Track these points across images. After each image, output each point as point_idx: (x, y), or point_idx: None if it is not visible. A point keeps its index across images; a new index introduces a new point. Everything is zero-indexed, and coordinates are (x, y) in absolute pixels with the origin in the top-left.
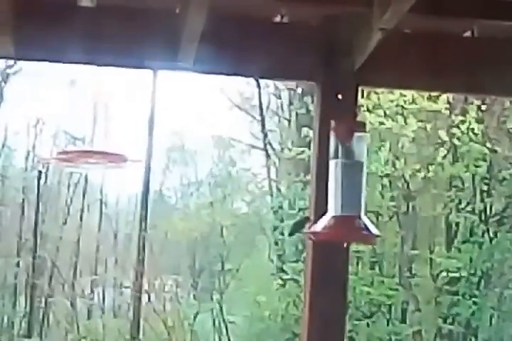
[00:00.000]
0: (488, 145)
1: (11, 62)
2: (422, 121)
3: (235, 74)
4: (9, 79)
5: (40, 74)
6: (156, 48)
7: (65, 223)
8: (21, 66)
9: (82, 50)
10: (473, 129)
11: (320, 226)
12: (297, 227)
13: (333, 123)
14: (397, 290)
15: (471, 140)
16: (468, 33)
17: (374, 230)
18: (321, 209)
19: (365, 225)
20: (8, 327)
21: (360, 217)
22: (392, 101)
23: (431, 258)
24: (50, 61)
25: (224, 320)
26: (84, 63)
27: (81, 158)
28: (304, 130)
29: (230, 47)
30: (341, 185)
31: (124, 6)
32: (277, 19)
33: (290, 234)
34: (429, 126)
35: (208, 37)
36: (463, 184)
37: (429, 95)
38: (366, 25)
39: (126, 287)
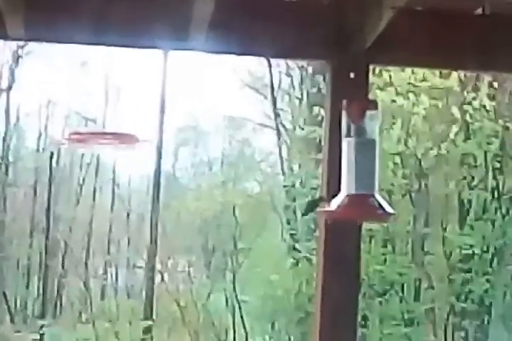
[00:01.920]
0: (501, 122)
1: (22, 43)
2: (433, 98)
3: (245, 53)
4: (20, 61)
5: (52, 56)
6: (167, 28)
7: (77, 204)
8: (32, 48)
9: (93, 30)
10: (485, 106)
11: (334, 205)
12: (311, 207)
13: (344, 102)
14: (409, 268)
15: (483, 117)
16: (479, 11)
17: (388, 208)
18: (333, 188)
19: (380, 203)
20: (21, 308)
21: (374, 196)
22: (403, 79)
23: (443, 236)
24: (61, 42)
25: (237, 300)
26: (95, 44)
27: (93, 138)
28: (316, 109)
29: (240, 27)
30: (354, 163)
31: None
32: None
33: (304, 214)
34: (440, 104)
35: (218, 16)
36: (475, 161)
37: (441, 72)
38: (377, 3)
39: (139, 267)
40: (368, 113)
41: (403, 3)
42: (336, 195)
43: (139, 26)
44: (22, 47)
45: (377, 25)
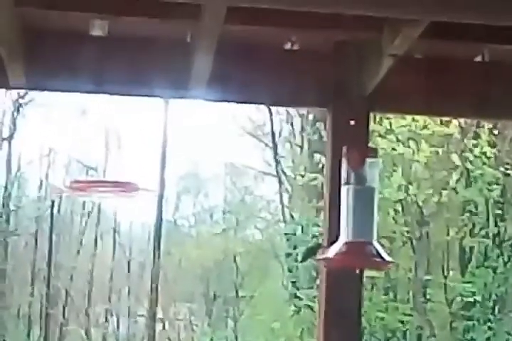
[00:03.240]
0: (501, 169)
1: (22, 92)
2: (434, 145)
3: (245, 101)
4: (21, 110)
5: (52, 104)
6: (168, 77)
7: (78, 252)
8: (33, 96)
9: (94, 79)
10: (485, 153)
11: (332, 252)
12: (309, 253)
13: (344, 149)
14: (411, 315)
15: (483, 164)
16: (478, 58)
17: (386, 256)
18: (334, 236)
19: (377, 251)
20: None
21: (371, 243)
22: (404, 126)
23: (445, 283)
24: (62, 91)
25: None
26: (96, 92)
27: (93, 187)
28: (317, 156)
29: (240, 75)
30: (353, 211)
31: (135, 35)
32: (287, 46)
33: (302, 260)
34: (441, 151)
35: (218, 65)
36: (476, 208)
37: (441, 120)
38: (377, 51)
39: (141, 315)
40: (368, 160)
41: (403, 51)
42: (335, 241)
43: (140, 76)
44: (23, 96)
45: (376, 73)
